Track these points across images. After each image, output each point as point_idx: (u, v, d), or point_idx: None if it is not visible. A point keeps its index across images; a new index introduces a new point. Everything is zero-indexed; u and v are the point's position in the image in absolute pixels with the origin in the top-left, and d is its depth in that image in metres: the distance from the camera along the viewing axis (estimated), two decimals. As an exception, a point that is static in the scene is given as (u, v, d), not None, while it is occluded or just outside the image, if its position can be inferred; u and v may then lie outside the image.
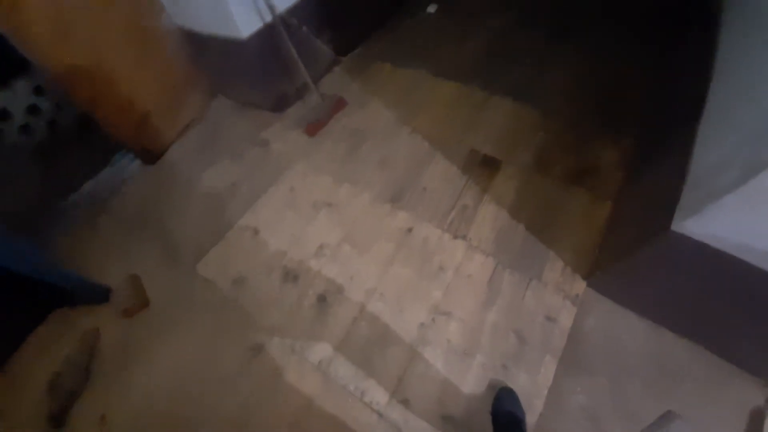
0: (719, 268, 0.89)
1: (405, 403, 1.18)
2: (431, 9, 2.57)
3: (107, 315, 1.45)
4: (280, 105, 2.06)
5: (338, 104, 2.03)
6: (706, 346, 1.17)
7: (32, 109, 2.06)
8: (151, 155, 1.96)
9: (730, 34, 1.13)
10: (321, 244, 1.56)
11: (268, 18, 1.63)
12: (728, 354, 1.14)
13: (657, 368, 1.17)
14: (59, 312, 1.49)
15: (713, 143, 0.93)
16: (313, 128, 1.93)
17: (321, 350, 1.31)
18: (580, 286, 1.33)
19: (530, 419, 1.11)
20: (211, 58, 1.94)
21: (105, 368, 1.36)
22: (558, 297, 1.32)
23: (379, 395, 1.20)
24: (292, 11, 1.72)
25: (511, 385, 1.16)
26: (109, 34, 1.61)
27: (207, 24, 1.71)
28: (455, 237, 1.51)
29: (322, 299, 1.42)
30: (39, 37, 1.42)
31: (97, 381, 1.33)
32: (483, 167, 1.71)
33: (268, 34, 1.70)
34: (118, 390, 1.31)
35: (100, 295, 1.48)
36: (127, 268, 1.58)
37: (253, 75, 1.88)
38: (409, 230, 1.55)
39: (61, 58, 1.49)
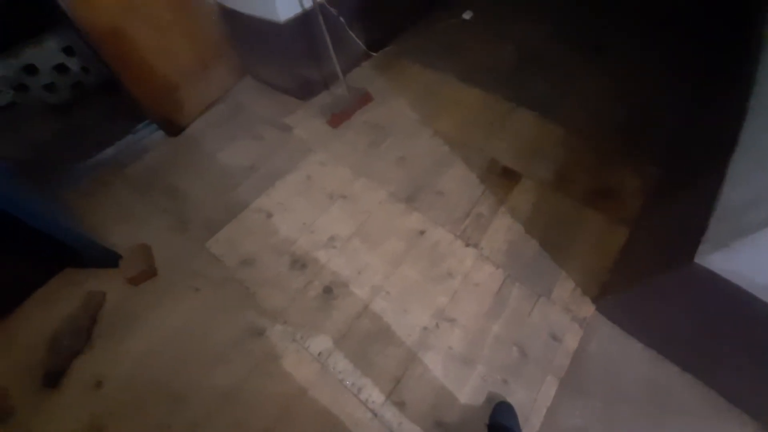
0: (738, 306, 0.87)
1: (400, 405, 1.18)
2: (467, 15, 2.56)
3: (114, 280, 1.46)
4: (306, 92, 2.06)
5: (364, 98, 2.02)
6: (707, 383, 1.15)
7: (60, 68, 2.08)
8: (174, 127, 1.97)
9: None
10: (332, 235, 1.56)
11: (308, 4, 1.63)
12: (729, 393, 1.13)
13: (654, 399, 1.16)
14: (67, 271, 1.49)
15: (745, 179, 0.91)
16: (336, 119, 1.93)
17: (321, 341, 1.30)
18: (588, 308, 1.32)
19: (525, 436, 1.10)
20: (245, 38, 1.94)
21: (106, 331, 1.36)
22: (565, 317, 1.31)
23: (375, 394, 1.20)
24: (331, 0, 1.72)
25: (509, 399, 1.15)
26: (149, -1, 1.62)
27: (247, 3, 1.71)
28: (467, 244, 1.50)
29: (327, 290, 1.42)
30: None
31: (97, 343, 1.34)
32: (502, 178, 1.70)
33: (304, 20, 1.70)
34: (115, 355, 1.31)
35: (109, 259, 1.48)
36: (138, 235, 1.59)
37: (284, 59, 1.89)
38: (422, 232, 1.55)
39: (98, 13, 1.49)
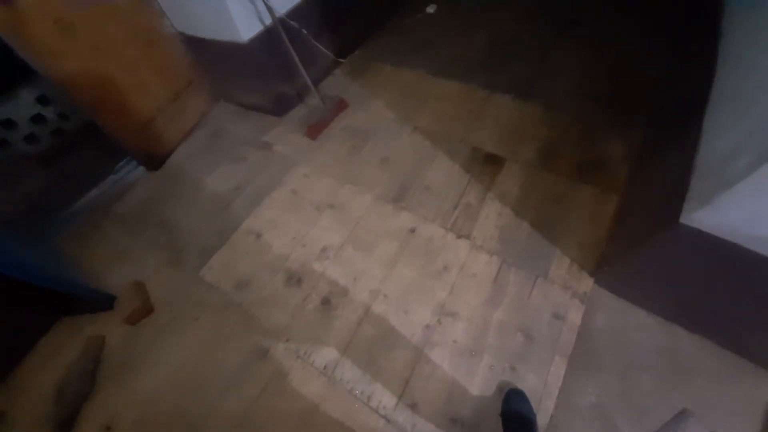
0: (730, 260, 0.86)
1: (412, 406, 1.16)
2: (431, 9, 2.57)
3: (112, 322, 1.46)
4: (281, 108, 2.07)
5: (339, 106, 2.03)
6: (718, 342, 1.14)
7: (37, 119, 2.09)
8: (154, 160, 1.97)
9: (736, 23, 1.11)
10: (324, 246, 1.55)
11: (268, 21, 1.64)
12: (741, 349, 1.11)
13: (668, 365, 1.14)
14: (64, 320, 1.49)
15: (723, 131, 0.90)
16: (314, 130, 1.93)
17: (326, 354, 1.29)
18: (587, 283, 1.31)
19: (541, 420, 1.08)
20: (213, 63, 1.95)
21: (110, 374, 1.36)
22: (565, 294, 1.29)
23: (385, 399, 1.18)
24: (292, 14, 1.73)
25: (520, 386, 1.14)
26: (111, 40, 1.63)
27: (208, 29, 1.72)
28: (459, 236, 1.49)
29: (326, 302, 1.41)
30: (42, 43, 1.43)
31: (103, 386, 1.33)
32: (486, 165, 1.70)
33: (268, 37, 1.71)
34: (124, 394, 1.31)
35: (104, 302, 1.48)
36: (132, 272, 1.59)
37: (255, 78, 1.89)
38: (413, 230, 1.54)
39: (63, 64, 1.51)
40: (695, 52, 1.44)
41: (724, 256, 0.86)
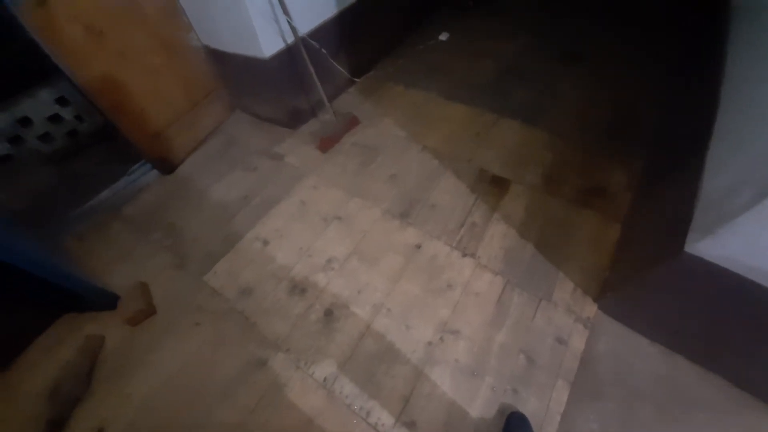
0: (733, 291, 0.88)
1: (411, 425, 1.14)
2: (443, 37, 2.69)
3: (113, 322, 1.45)
4: (295, 121, 2.13)
5: (351, 122, 2.09)
6: (720, 373, 1.13)
7: (54, 118, 2.15)
8: (168, 165, 2.01)
9: (737, 59, 1.17)
10: (329, 257, 1.56)
11: (290, 40, 1.72)
12: (743, 382, 1.11)
13: (669, 395, 1.13)
14: (67, 317, 1.48)
15: (724, 165, 0.94)
16: (325, 143, 1.98)
17: (326, 367, 1.28)
18: (591, 308, 1.32)
19: (541, 446, 1.07)
20: (233, 75, 2.02)
21: (106, 375, 1.34)
22: (569, 319, 1.30)
23: (384, 416, 1.17)
24: (313, 34, 1.81)
25: (521, 409, 1.13)
26: (139, 47, 1.70)
27: (232, 44, 1.80)
28: (464, 254, 1.51)
29: (328, 313, 1.41)
30: (70, 46, 1.49)
31: (98, 388, 1.31)
32: (492, 186, 1.73)
33: (288, 54, 1.79)
34: (118, 398, 1.28)
35: (107, 301, 1.48)
36: (137, 274, 1.59)
37: (272, 92, 1.96)
38: (418, 246, 1.56)
39: (91, 67, 1.57)
40: (697, 85, 1.50)
41: (727, 287, 0.87)
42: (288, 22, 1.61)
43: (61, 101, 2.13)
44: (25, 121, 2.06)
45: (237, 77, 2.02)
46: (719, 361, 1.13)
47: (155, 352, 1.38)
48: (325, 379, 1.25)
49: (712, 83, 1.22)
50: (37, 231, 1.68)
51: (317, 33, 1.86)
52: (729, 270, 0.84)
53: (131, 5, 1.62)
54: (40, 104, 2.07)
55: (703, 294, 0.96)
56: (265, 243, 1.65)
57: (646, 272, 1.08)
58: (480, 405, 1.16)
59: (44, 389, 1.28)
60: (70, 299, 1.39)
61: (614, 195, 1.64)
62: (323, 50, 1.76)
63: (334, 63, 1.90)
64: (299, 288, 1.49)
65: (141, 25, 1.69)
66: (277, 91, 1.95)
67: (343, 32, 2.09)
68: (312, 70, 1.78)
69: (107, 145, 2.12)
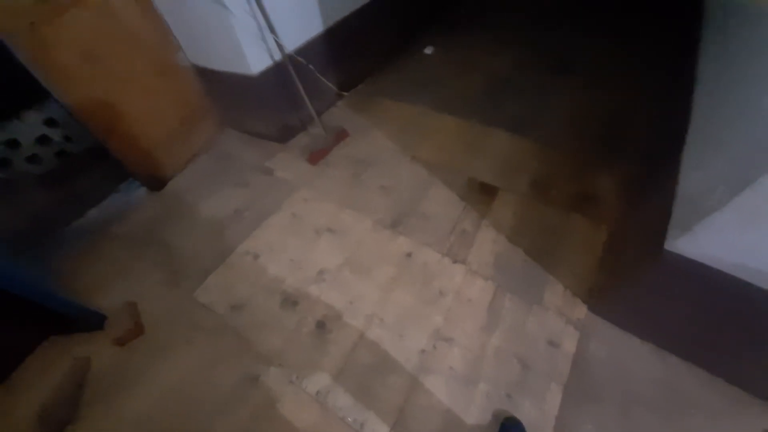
0: (715, 286, 0.90)
1: (406, 435, 1.13)
2: (428, 50, 2.77)
3: (101, 342, 1.42)
4: (285, 136, 2.15)
5: (340, 135, 2.12)
6: (711, 370, 1.15)
7: (42, 140, 2.14)
8: (157, 182, 2.01)
9: (708, 63, 1.23)
10: (321, 269, 1.56)
11: (278, 57, 1.76)
12: (735, 379, 1.12)
13: (665, 395, 1.14)
14: (53, 339, 1.45)
15: (700, 165, 0.98)
16: (315, 156, 2.00)
17: (319, 379, 1.27)
18: (581, 310, 1.33)
19: (538, 452, 1.06)
20: (222, 93, 2.05)
21: (96, 398, 1.30)
22: (560, 321, 1.31)
23: (379, 427, 1.15)
24: (300, 51, 1.86)
25: (516, 414, 1.12)
26: (130, 70, 1.73)
27: (220, 62, 1.83)
28: (455, 261, 1.52)
29: (321, 325, 1.40)
30: (64, 71, 1.51)
31: (87, 411, 1.27)
32: (481, 194, 1.76)
33: (277, 71, 1.83)
34: (110, 420, 1.25)
35: (95, 322, 1.45)
36: (128, 292, 1.57)
37: (261, 108, 1.99)
38: (409, 254, 1.57)
39: (82, 90, 1.59)
40: (679, 91, 1.56)
41: (708, 283, 0.89)
42: (275, 40, 1.65)
43: (50, 122, 2.13)
44: (12, 144, 2.05)
45: (226, 94, 2.05)
46: (710, 359, 1.14)
47: (146, 371, 1.35)
48: (318, 392, 1.23)
49: (687, 86, 1.28)
50: (24, 252, 1.66)
51: (305, 49, 1.91)
52: (708, 266, 0.86)
53: (119, 27, 1.65)
54: (28, 126, 2.07)
55: (685, 291, 0.98)
56: (256, 257, 1.65)
57: (632, 272, 1.10)
58: (475, 412, 1.15)
59: (32, 414, 1.24)
60: (57, 321, 1.36)
61: (603, 200, 1.67)
62: (311, 66, 1.81)
63: (323, 78, 1.94)
64: (291, 300, 1.48)
65: (135, 48, 1.72)
66: (267, 107, 1.98)
67: (331, 48, 2.14)
68: (300, 85, 1.82)
69: (96, 164, 2.11)
